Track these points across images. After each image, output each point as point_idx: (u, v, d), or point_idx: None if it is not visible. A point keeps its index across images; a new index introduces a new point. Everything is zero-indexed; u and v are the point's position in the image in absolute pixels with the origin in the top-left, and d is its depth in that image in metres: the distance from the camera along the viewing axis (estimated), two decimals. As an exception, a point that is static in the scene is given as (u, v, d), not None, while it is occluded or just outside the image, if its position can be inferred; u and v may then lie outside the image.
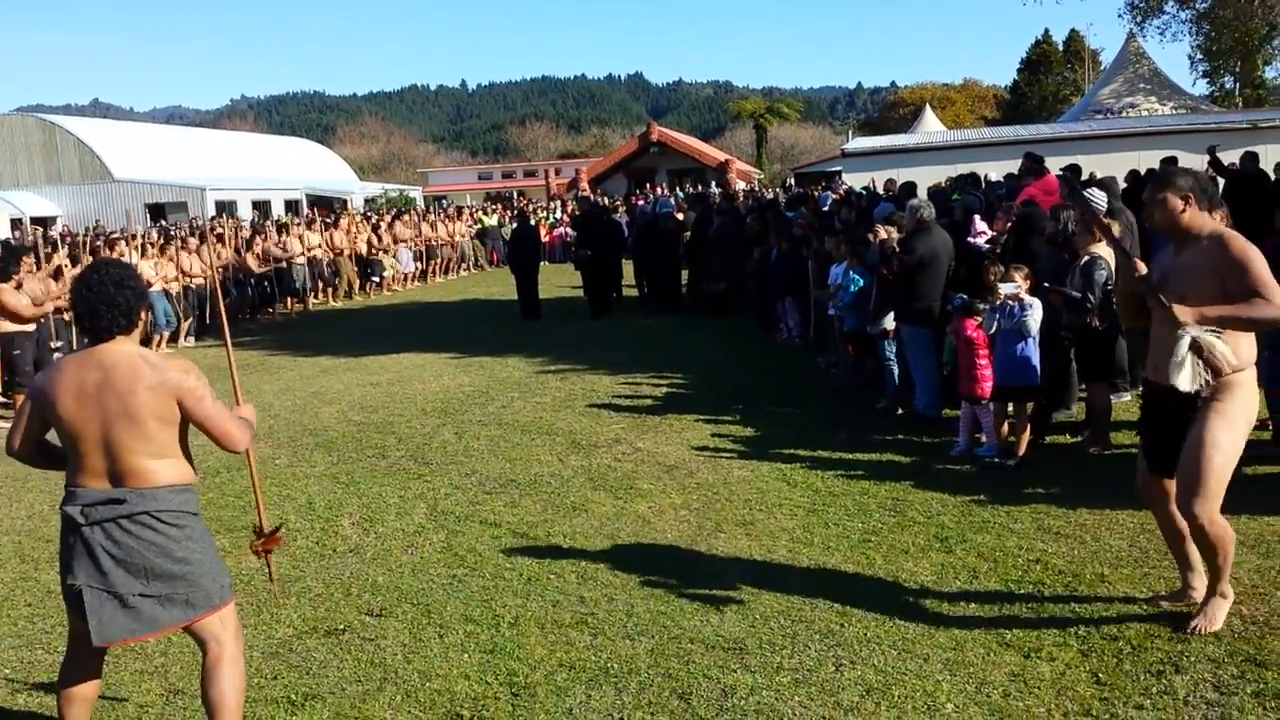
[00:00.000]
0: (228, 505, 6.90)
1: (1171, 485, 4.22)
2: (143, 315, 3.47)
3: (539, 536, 5.95)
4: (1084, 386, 7.52)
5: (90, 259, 13.20)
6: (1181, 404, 4.04)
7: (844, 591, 4.90)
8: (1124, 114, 26.85)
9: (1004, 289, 6.76)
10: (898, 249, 8.12)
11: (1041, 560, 5.10)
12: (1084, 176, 11.85)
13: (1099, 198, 7.62)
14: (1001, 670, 4.02)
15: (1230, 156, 14.90)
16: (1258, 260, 3.87)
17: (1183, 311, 3.88)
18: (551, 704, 4.00)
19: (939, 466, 6.90)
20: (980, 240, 9.13)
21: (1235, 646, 4.05)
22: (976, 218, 9.61)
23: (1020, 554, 5.21)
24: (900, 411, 8.38)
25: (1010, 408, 7.05)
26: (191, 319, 15.94)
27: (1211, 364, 3.88)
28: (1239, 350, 3.94)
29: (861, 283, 8.90)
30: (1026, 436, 6.85)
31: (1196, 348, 3.86)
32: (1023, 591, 4.76)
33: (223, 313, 4.73)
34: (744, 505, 6.30)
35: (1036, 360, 6.79)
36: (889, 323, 8.47)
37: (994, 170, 15.68)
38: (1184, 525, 4.22)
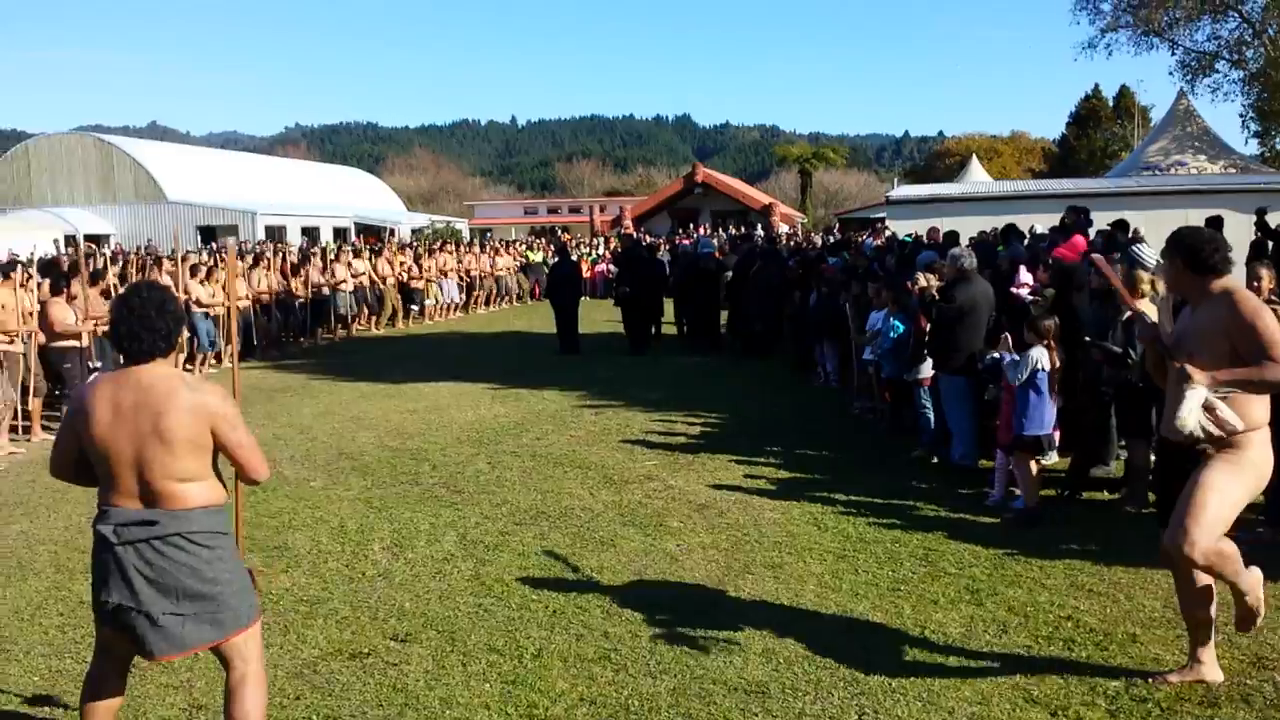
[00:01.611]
0: (261, 525, 6.97)
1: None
2: (181, 339, 3.52)
3: (567, 570, 5.96)
4: (1124, 443, 7.44)
5: (140, 277, 13.48)
6: (1193, 460, 4.01)
7: (871, 640, 4.86)
8: (1172, 171, 26.63)
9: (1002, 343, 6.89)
10: (938, 297, 8.10)
11: (1073, 617, 5.03)
12: (1129, 232, 11.75)
13: (1147, 255, 7.57)
14: (1027, 726, 3.96)
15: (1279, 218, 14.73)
16: (1266, 320, 3.84)
17: (1195, 373, 3.85)
18: (571, 738, 3.99)
19: (973, 517, 6.84)
20: (1023, 291, 9.07)
21: (1267, 714, 3.97)
22: (1023, 268, 9.55)
23: (1052, 610, 5.14)
24: (935, 460, 8.32)
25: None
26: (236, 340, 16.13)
27: (1216, 424, 3.84)
28: (1251, 411, 3.91)
29: (901, 329, 8.88)
30: (1030, 488, 6.75)
31: (1206, 405, 3.83)
32: (1052, 648, 4.70)
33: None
34: (773, 547, 6.27)
35: (1035, 413, 6.74)
36: (926, 370, 8.44)
37: (1040, 223, 15.59)
38: (1202, 585, 4.17)
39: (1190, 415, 3.83)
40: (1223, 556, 3.99)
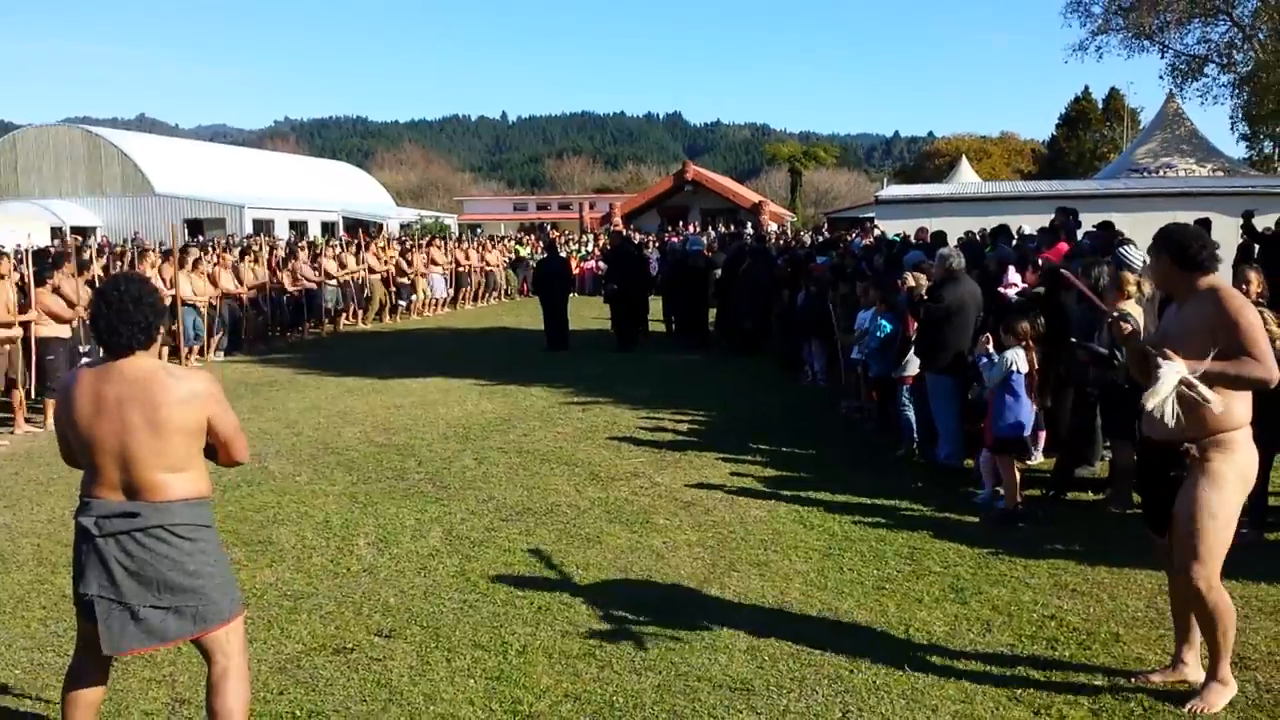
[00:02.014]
0: (246, 519, 6.94)
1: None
2: (161, 331, 3.50)
3: (552, 566, 5.95)
4: (1108, 444, 7.47)
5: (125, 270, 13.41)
6: (1172, 460, 4.01)
7: (855, 638, 4.86)
8: (1161, 174, 26.73)
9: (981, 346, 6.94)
10: (925, 297, 8.11)
11: (1056, 617, 5.05)
12: (1114, 234, 11.79)
13: (1134, 256, 7.59)
14: (1010, 725, 3.97)
15: (1266, 221, 14.82)
16: (1249, 318, 3.84)
17: (1174, 356, 3.85)
18: (554, 734, 3.99)
19: (958, 517, 6.85)
20: (1011, 291, 9.10)
21: (1249, 714, 3.98)
22: (1011, 268, 9.58)
23: (1035, 609, 5.16)
24: (921, 459, 8.32)
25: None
26: (221, 334, 16.09)
27: (1189, 402, 3.82)
28: (1232, 408, 3.89)
29: (889, 328, 8.89)
30: (1012, 488, 6.77)
31: (1183, 383, 3.81)
32: (1036, 647, 4.71)
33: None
34: (759, 545, 6.28)
35: (1010, 414, 6.78)
36: (911, 369, 8.45)
37: (1028, 224, 15.63)
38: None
39: (1165, 387, 3.79)
40: (1230, 614, 3.98)
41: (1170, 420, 3.83)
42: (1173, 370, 3.79)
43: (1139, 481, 4.32)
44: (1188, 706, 4.04)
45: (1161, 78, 36.45)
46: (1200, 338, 3.92)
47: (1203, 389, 3.79)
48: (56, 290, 10.55)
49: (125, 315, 3.35)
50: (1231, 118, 37.06)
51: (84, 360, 9.81)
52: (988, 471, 7.14)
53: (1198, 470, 3.95)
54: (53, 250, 12.79)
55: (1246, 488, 4.01)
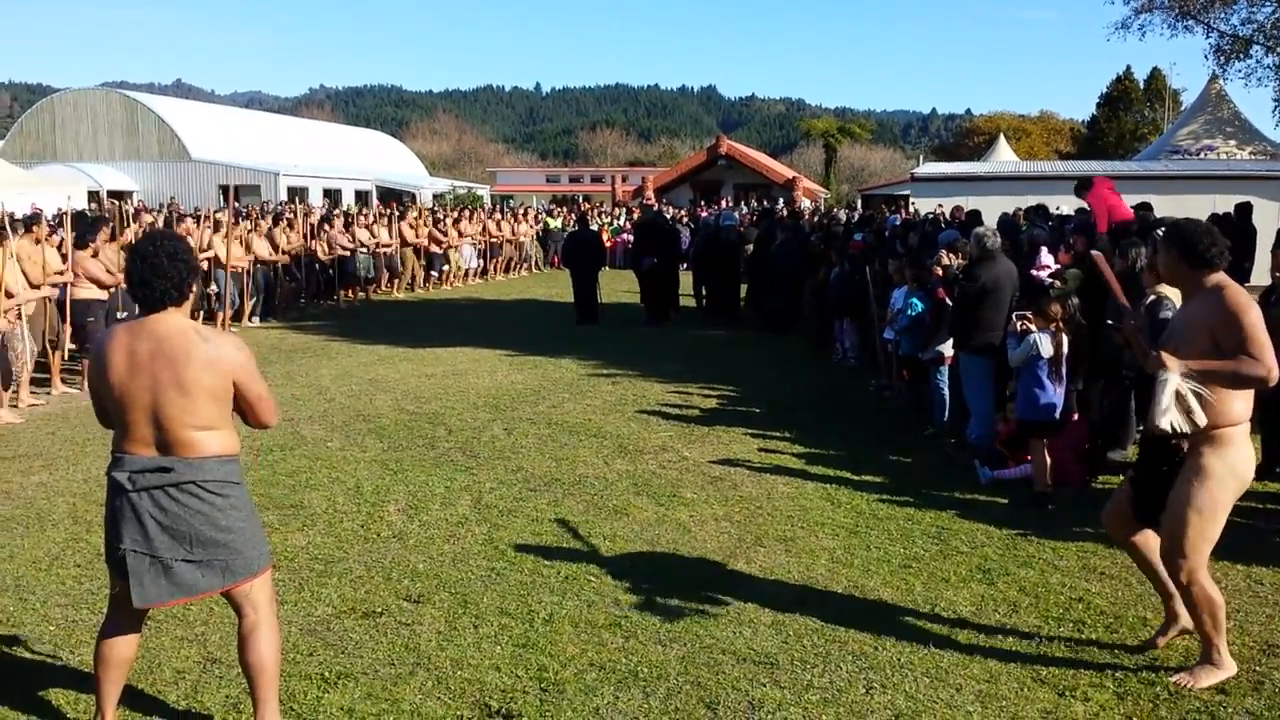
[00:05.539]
0: (278, 483, 7.02)
1: (1144, 530, 4.28)
2: (194, 288, 3.54)
3: (579, 537, 5.99)
4: (1141, 428, 7.39)
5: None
6: (1168, 455, 4.02)
7: (881, 615, 4.87)
8: (1201, 156, 26.34)
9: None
10: (960, 276, 8.04)
11: (1084, 599, 5.03)
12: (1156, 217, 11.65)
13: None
14: (1034, 706, 3.97)
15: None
16: (1250, 316, 3.81)
17: (1170, 360, 3.85)
18: (579, 702, 4.02)
19: (986, 497, 6.83)
20: (1043, 274, 9.01)
21: (1277, 701, 3.96)
22: (1044, 250, 9.49)
23: (1063, 591, 5.14)
24: (953, 440, 8.29)
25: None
26: (256, 299, 16.20)
27: (1189, 413, 3.81)
28: (1230, 406, 3.88)
29: (921, 308, 8.83)
30: (1041, 469, 6.71)
31: (1176, 395, 3.80)
32: (1062, 629, 4.70)
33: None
34: (786, 521, 6.28)
35: (1031, 398, 6.72)
36: (946, 349, 8.39)
37: (1066, 204, 15.47)
38: (1154, 559, 4.29)
39: (1163, 409, 3.80)
40: (1212, 603, 4.00)
41: (1183, 427, 3.83)
42: (1171, 382, 3.79)
43: (1134, 467, 4.34)
44: (1174, 678, 4.09)
45: (1206, 58, 35.78)
46: (1200, 335, 3.92)
47: (1193, 403, 3.78)
48: (96, 255, 10.66)
49: (160, 269, 3.39)
50: (1275, 100, 36.30)
51: (111, 326, 9.95)
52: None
53: (1189, 465, 3.96)
54: (88, 214, 12.93)
55: (1240, 484, 4.00)
